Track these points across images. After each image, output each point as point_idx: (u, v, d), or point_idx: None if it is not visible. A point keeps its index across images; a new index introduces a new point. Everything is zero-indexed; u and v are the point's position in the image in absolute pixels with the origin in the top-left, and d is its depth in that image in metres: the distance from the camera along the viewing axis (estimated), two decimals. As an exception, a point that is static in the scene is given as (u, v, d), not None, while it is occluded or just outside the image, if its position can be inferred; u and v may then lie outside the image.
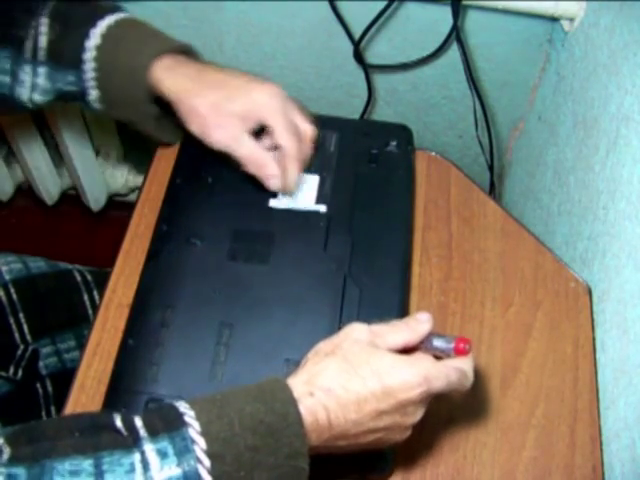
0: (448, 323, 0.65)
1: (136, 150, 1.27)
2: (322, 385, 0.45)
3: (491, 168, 1.01)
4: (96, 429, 0.42)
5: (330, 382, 0.45)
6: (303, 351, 0.51)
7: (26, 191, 1.33)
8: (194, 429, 0.41)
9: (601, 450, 0.60)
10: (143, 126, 0.66)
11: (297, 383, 0.45)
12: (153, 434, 0.41)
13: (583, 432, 0.60)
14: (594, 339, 0.65)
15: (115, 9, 0.63)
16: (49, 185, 1.24)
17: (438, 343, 0.50)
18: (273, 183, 0.62)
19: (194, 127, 0.60)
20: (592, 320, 0.67)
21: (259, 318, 0.58)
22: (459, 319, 0.65)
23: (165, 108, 0.64)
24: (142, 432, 0.41)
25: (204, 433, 0.41)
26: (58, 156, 1.21)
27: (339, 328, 0.57)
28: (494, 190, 1.07)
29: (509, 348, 0.64)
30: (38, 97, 0.62)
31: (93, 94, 0.62)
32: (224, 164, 0.67)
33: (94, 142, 1.20)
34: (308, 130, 0.63)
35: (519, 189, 1.04)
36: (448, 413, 0.60)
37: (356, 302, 0.60)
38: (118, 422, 0.42)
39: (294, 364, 0.49)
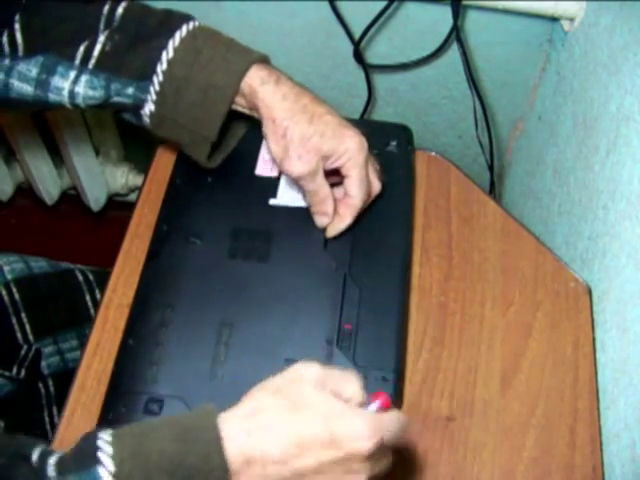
0: (448, 323, 0.65)
1: (136, 150, 1.27)
2: (262, 424, 0.41)
3: (491, 168, 1.01)
4: (19, 459, 0.41)
5: (271, 422, 0.41)
6: (303, 350, 0.51)
7: (26, 191, 1.33)
8: (106, 469, 0.39)
9: (601, 450, 0.60)
10: (193, 150, 0.63)
11: (234, 419, 0.42)
12: (62, 473, 0.40)
13: (583, 432, 0.60)
14: (594, 339, 0.65)
15: (186, 17, 0.60)
16: (49, 185, 1.24)
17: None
18: (322, 220, 0.62)
19: (276, 148, 0.59)
20: (592, 320, 0.67)
21: (259, 317, 0.58)
22: (459, 319, 0.65)
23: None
24: (50, 471, 0.40)
25: (116, 474, 0.39)
26: (58, 156, 1.21)
27: (339, 327, 0.58)
28: (494, 190, 1.07)
29: (509, 348, 0.64)
30: (79, 102, 0.60)
31: (147, 108, 0.60)
32: (224, 164, 0.67)
33: (94, 142, 1.20)
34: (375, 187, 0.63)
35: (519, 189, 1.04)
36: (448, 413, 0.60)
37: (356, 302, 0.60)
38: (34, 457, 0.41)
39: (293, 363, 0.49)
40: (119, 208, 1.36)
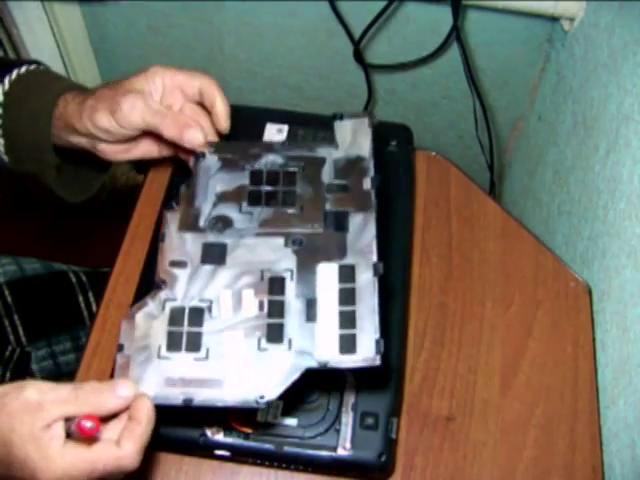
0: (448, 323, 0.65)
1: (136, 150, 1.27)
2: None
3: (491, 168, 1.01)
4: None
5: None
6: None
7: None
8: None
9: (601, 450, 0.60)
10: (45, 178, 0.63)
11: None
12: None
13: (583, 432, 0.60)
14: (594, 339, 0.65)
15: (31, 62, 0.62)
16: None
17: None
18: (194, 134, 0.57)
19: (103, 111, 0.56)
20: (592, 320, 0.67)
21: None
22: (459, 319, 0.65)
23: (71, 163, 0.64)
24: None
25: None
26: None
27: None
28: (494, 190, 1.07)
29: (509, 348, 0.64)
30: None
31: (0, 144, 0.61)
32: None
33: (94, 142, 1.19)
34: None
35: (519, 189, 1.04)
36: (448, 413, 0.60)
37: (356, 302, 0.60)
38: None
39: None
40: (119, 208, 1.36)
